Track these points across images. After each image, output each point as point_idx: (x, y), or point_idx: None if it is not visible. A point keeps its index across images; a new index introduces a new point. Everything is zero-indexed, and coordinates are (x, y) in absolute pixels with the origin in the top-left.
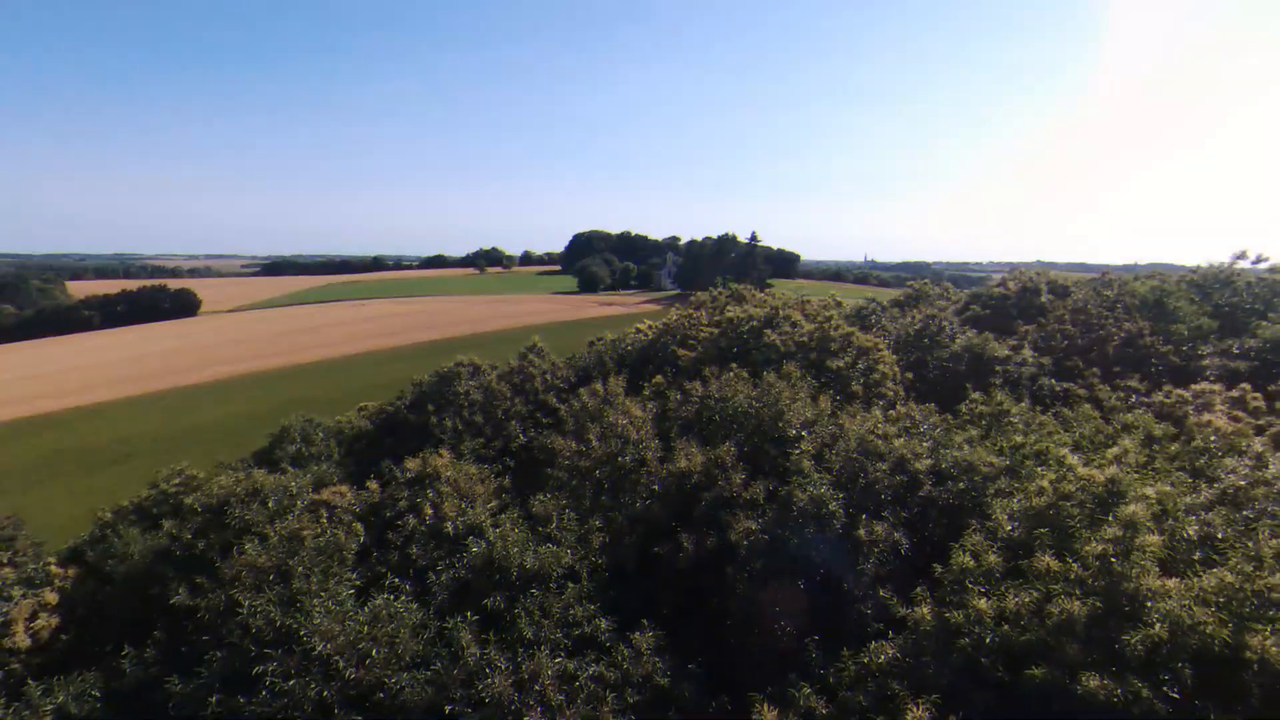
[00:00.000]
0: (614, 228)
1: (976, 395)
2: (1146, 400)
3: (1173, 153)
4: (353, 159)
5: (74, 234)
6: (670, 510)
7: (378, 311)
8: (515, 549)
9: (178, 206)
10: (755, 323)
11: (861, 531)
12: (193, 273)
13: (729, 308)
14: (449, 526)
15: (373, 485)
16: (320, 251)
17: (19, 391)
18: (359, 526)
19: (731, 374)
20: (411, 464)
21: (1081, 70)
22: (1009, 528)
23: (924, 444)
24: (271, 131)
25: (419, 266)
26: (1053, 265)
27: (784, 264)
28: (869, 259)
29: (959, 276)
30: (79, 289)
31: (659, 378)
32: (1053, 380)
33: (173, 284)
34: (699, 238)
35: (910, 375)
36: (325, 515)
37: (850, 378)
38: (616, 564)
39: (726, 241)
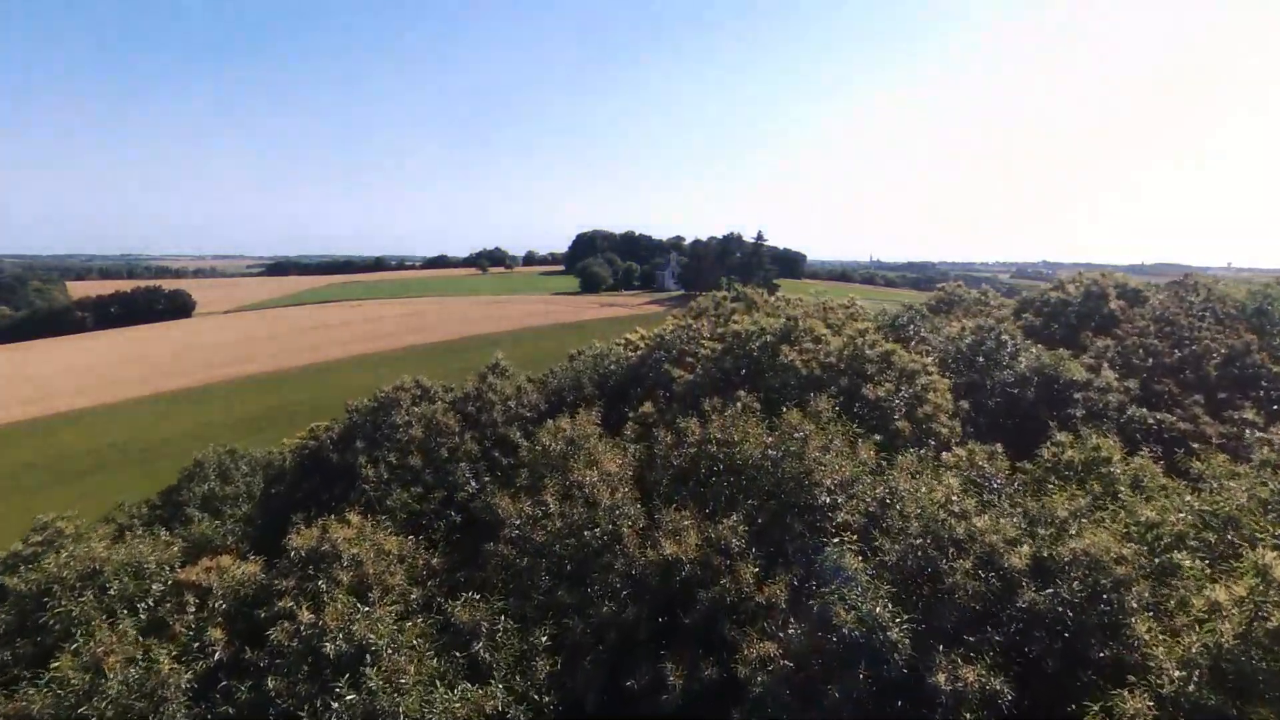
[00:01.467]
0: (618, 228)
1: (1064, 436)
2: (1265, 435)
3: (1175, 152)
4: (361, 161)
5: (87, 236)
6: (652, 611)
7: (372, 313)
8: (412, 697)
9: (189, 209)
10: (769, 337)
11: (940, 676)
12: (198, 273)
13: (735, 317)
14: (329, 645)
15: (251, 566)
16: (329, 252)
17: None
18: (218, 633)
19: (739, 406)
20: (303, 538)
21: (1086, 68)
22: (1176, 675)
23: (1014, 520)
24: (280, 133)
25: (421, 267)
26: (1058, 265)
27: (790, 264)
28: (874, 259)
29: (965, 276)
30: (80, 289)
31: (648, 405)
32: (1143, 410)
33: (168, 285)
34: (703, 237)
35: (965, 405)
36: (192, 605)
37: (892, 410)
38: (572, 701)
39: (731, 241)
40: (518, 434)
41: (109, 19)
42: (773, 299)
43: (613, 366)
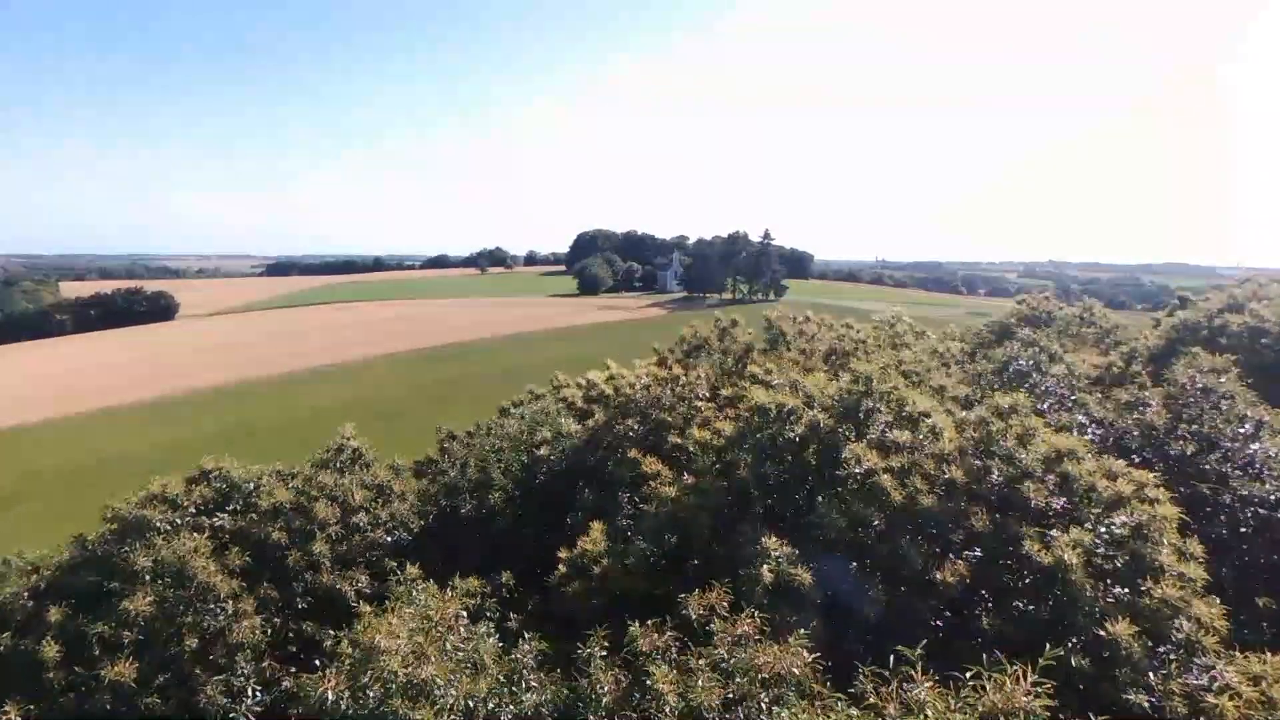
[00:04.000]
0: (620, 227)
1: None
2: None
3: (1177, 151)
4: (365, 161)
5: (98, 237)
6: None
7: (359, 317)
8: None
9: (198, 210)
10: (823, 416)
11: None
12: (200, 272)
13: (754, 363)
14: None
15: None
16: (336, 252)
17: None
18: None
19: (766, 578)
20: None
21: (1091, 66)
22: None
23: None
24: (285, 134)
25: (421, 267)
26: (1065, 265)
27: (797, 264)
28: (880, 259)
29: (973, 276)
30: (75, 289)
31: (597, 532)
32: None
33: (152, 285)
34: (707, 236)
35: (1192, 549)
36: None
37: (1074, 583)
38: None
39: (737, 240)
40: (363, 581)
41: (118, 21)
42: (815, 326)
43: (544, 450)
